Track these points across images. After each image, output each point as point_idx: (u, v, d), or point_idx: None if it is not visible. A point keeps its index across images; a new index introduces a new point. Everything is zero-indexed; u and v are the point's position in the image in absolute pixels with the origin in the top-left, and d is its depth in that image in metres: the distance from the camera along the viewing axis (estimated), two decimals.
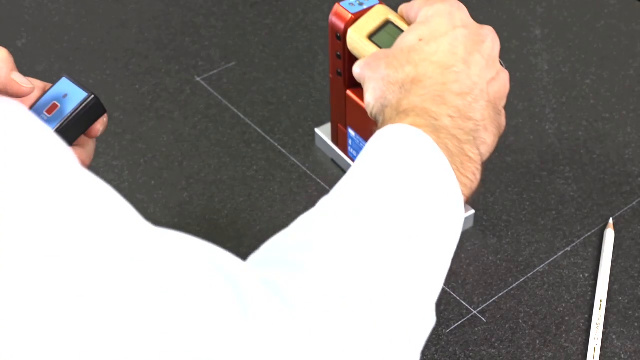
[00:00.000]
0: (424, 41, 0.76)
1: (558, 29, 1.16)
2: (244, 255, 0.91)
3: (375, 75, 0.76)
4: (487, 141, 0.74)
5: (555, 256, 0.90)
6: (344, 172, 0.94)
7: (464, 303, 0.87)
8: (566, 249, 0.90)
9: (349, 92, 0.93)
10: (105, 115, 0.78)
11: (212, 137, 1.02)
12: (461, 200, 0.69)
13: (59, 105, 0.77)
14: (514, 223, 0.93)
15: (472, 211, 0.93)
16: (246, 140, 1.02)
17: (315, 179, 0.97)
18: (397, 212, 0.65)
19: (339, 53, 0.90)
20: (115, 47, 1.14)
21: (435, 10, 0.78)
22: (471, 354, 0.82)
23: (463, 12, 0.78)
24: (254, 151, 1.00)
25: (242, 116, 1.05)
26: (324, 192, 0.96)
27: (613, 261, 0.89)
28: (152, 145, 1.01)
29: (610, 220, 0.92)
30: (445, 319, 0.86)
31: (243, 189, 0.96)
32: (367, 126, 0.86)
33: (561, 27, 1.16)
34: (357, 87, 0.90)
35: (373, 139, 0.71)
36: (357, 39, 0.85)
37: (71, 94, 0.77)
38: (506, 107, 0.77)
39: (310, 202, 0.95)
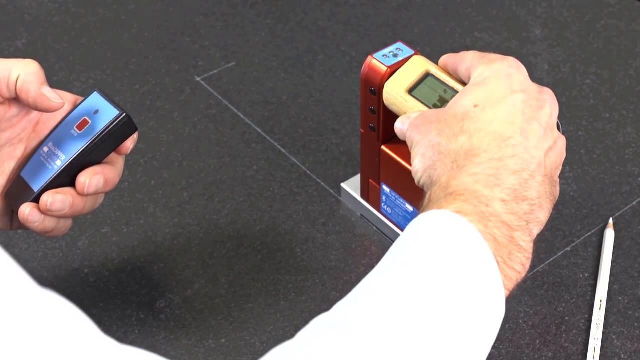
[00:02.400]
0: (479, 107, 0.70)
1: (558, 29, 1.16)
2: (244, 256, 0.91)
3: (424, 141, 0.70)
4: (542, 219, 0.70)
5: (555, 256, 0.90)
6: (374, 227, 0.92)
7: None
8: (566, 249, 0.90)
9: (384, 148, 0.86)
10: (137, 132, 0.77)
11: (212, 137, 1.02)
12: (502, 299, 0.64)
13: (89, 121, 0.76)
14: None
15: None
16: (246, 140, 1.02)
17: (315, 179, 0.97)
18: (427, 323, 0.60)
19: (372, 108, 0.84)
20: (115, 47, 1.14)
21: (493, 71, 0.72)
22: None
23: (522, 73, 0.73)
24: (254, 151, 1.00)
25: (242, 116, 1.05)
26: (324, 192, 0.96)
27: (613, 261, 0.89)
28: (152, 145, 1.01)
29: (610, 220, 0.92)
30: None
31: (243, 189, 0.96)
32: (404, 183, 0.82)
33: (561, 27, 1.16)
34: (392, 142, 0.86)
35: (413, 225, 0.66)
36: (395, 94, 0.79)
37: (102, 111, 0.76)
38: None
39: (310, 202, 0.95)
